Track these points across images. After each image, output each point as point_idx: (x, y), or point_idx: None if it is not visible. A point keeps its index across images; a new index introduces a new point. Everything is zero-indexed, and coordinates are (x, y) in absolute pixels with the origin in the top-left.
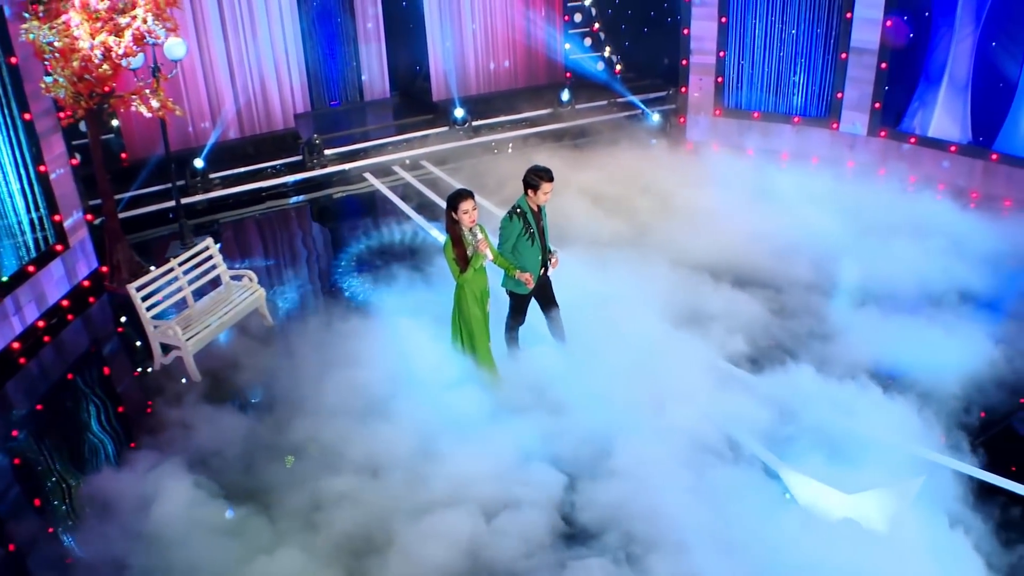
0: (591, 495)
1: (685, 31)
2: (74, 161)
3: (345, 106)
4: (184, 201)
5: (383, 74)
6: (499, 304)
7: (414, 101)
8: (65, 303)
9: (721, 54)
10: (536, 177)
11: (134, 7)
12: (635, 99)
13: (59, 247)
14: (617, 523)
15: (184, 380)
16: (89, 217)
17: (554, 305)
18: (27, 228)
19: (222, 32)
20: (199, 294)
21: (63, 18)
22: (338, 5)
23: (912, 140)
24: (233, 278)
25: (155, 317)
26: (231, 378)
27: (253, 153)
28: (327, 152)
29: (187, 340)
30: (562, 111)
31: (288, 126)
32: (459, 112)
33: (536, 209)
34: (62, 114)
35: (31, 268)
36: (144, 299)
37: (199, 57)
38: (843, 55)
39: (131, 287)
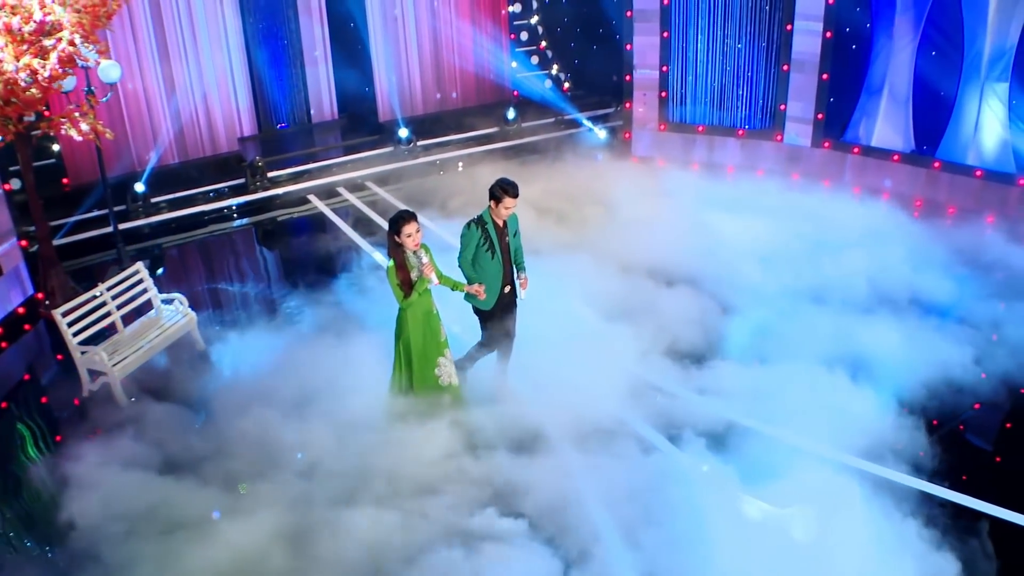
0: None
1: (628, 47)
2: (7, 186)
3: (293, 128)
4: (126, 226)
5: (331, 96)
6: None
7: (361, 122)
8: None
9: (664, 69)
10: (500, 189)
11: (60, 29)
12: (581, 116)
13: None
14: (534, 511)
15: (112, 406)
16: (23, 243)
17: (512, 335)
18: None
19: (166, 56)
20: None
21: None
22: (284, 28)
23: (856, 150)
24: (164, 302)
25: (86, 342)
26: (159, 403)
27: (196, 176)
28: (272, 174)
29: (113, 366)
30: (508, 129)
31: (232, 149)
32: (403, 132)
33: (501, 224)
34: None
35: None
36: (73, 324)
37: (141, 81)
38: (785, 67)
39: (56, 312)
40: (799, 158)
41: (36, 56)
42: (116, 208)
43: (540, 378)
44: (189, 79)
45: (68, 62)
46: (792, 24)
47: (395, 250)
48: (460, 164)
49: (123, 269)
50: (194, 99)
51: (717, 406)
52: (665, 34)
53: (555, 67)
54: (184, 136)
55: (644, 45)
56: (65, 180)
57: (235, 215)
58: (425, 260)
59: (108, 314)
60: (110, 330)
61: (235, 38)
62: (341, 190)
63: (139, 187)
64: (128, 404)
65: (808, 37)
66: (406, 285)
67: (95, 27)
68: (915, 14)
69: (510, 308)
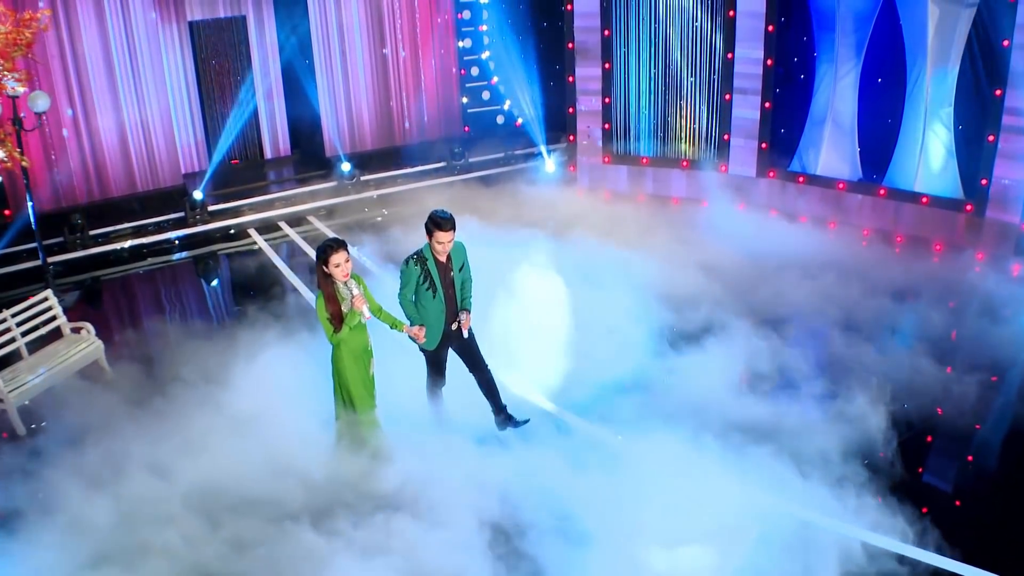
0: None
1: (570, 79)
2: None
3: (245, 163)
4: (63, 257)
5: (283, 131)
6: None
7: (313, 158)
8: None
9: (607, 100)
10: (432, 223)
11: None
12: (531, 151)
13: None
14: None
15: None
16: None
17: (480, 368)
18: None
19: (114, 89)
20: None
21: None
22: (236, 64)
23: (801, 179)
24: (73, 330)
25: None
26: (57, 431)
27: (139, 209)
28: (213, 208)
29: (9, 392)
30: (456, 164)
31: (177, 183)
32: (346, 166)
33: (443, 259)
34: None
35: None
36: None
37: (84, 113)
38: (727, 96)
39: None
40: (745, 188)
41: None
42: (54, 240)
43: None
44: (137, 113)
45: None
46: (733, 52)
47: (324, 281)
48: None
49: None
50: (141, 133)
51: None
52: (607, 65)
53: (507, 103)
54: (130, 169)
55: (586, 77)
56: (7, 211)
57: (175, 248)
58: (357, 292)
59: (13, 340)
60: (17, 356)
61: (186, 75)
62: (282, 224)
63: (76, 219)
64: (26, 433)
65: (750, 65)
66: (336, 319)
67: (3, 55)
68: (856, 40)
69: (459, 343)
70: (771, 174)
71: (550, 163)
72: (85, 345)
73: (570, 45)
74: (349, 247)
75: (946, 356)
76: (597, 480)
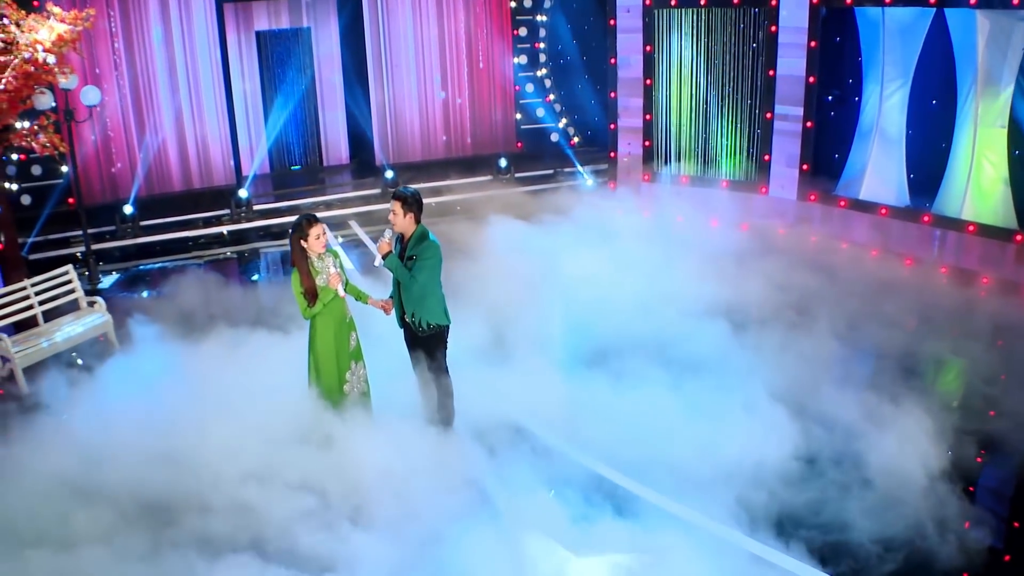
0: None
1: (612, 94)
2: None
3: (304, 169)
4: (113, 244)
5: (343, 139)
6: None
7: (368, 166)
8: None
9: (647, 117)
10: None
11: (17, 48)
12: (582, 169)
13: None
14: None
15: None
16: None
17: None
18: None
19: (176, 91)
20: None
21: None
22: (301, 74)
23: (842, 203)
24: (89, 304)
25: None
26: (55, 394)
27: (191, 205)
28: (261, 207)
29: (16, 353)
30: (500, 179)
31: (231, 183)
32: (388, 174)
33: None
34: None
35: None
36: None
37: (149, 112)
38: (768, 115)
39: None
40: (785, 211)
41: None
42: (107, 228)
43: None
44: (200, 115)
45: (29, 79)
46: (775, 69)
47: (299, 257)
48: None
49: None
50: (202, 134)
51: None
52: (648, 82)
53: (563, 121)
54: (188, 167)
55: (627, 93)
56: (71, 200)
57: (219, 243)
58: (334, 271)
59: (31, 307)
60: (34, 323)
61: (251, 82)
62: (353, 224)
63: (127, 209)
64: (28, 391)
65: (792, 82)
66: (310, 295)
67: (58, 45)
68: (904, 56)
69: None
70: (812, 197)
71: (593, 181)
72: (96, 319)
73: (612, 60)
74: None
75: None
76: None
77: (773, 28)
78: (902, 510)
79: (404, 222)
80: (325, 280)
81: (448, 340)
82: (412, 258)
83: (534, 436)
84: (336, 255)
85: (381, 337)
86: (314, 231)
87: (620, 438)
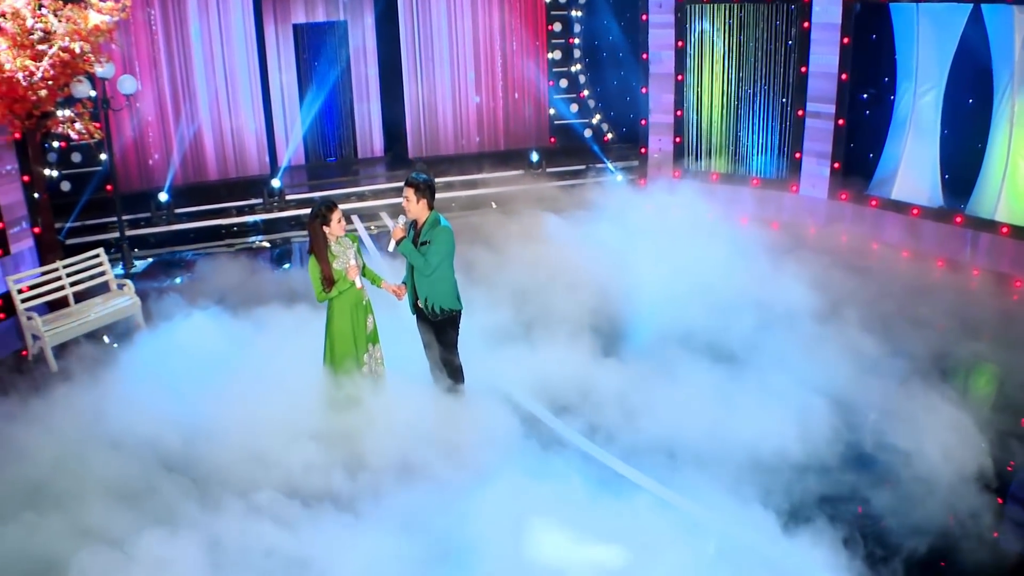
0: None
1: (643, 90)
2: (26, 178)
3: (339, 161)
4: (147, 231)
5: (378, 132)
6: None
7: (402, 159)
8: None
9: (679, 113)
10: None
11: (54, 36)
12: (614, 164)
13: None
14: None
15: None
16: (36, 230)
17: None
18: None
19: (213, 83)
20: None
21: None
22: (336, 67)
23: (874, 203)
24: (119, 287)
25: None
26: (83, 371)
27: (225, 194)
28: (293, 197)
29: (46, 332)
30: (531, 174)
31: (265, 172)
32: (419, 164)
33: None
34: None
35: None
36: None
37: (187, 103)
38: (800, 112)
39: (10, 279)
40: (815, 210)
41: (32, 59)
42: (143, 215)
43: None
44: (236, 106)
45: (66, 67)
46: (807, 66)
47: (318, 243)
48: (493, 203)
49: (126, 266)
50: (238, 124)
51: None
52: (679, 77)
53: (597, 117)
54: (224, 157)
55: (659, 89)
56: (109, 187)
57: (252, 232)
58: (353, 262)
59: (62, 288)
60: (65, 303)
61: (287, 74)
62: (354, 219)
63: (162, 196)
64: (57, 369)
65: (824, 79)
66: (327, 280)
67: (93, 34)
68: (939, 54)
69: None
70: (843, 196)
71: (623, 177)
72: (125, 301)
73: (644, 56)
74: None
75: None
76: None
77: (806, 24)
78: (929, 507)
79: (417, 208)
80: (343, 265)
81: (460, 325)
82: (425, 243)
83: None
84: (355, 239)
85: (397, 320)
86: (335, 216)
87: (646, 422)
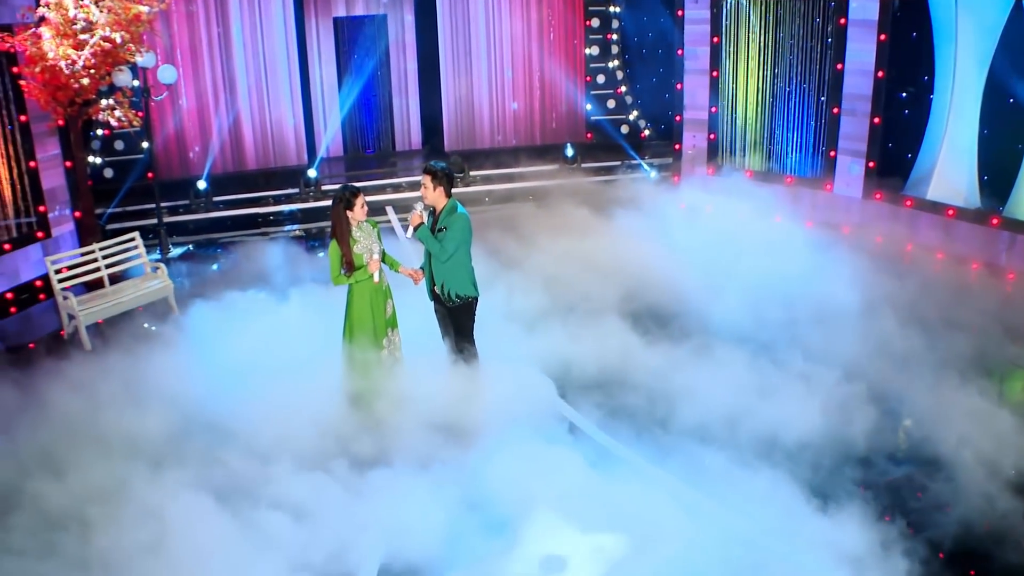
0: None
1: (679, 86)
2: (68, 164)
3: (377, 153)
4: (186, 218)
5: (416, 125)
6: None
7: (441, 152)
8: (39, 283)
9: (713, 110)
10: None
11: (96, 27)
12: (650, 161)
13: (40, 234)
14: None
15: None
16: (77, 214)
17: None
18: (11, 214)
19: (257, 75)
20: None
21: (34, 29)
22: (376, 60)
23: (908, 203)
24: (153, 270)
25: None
26: (115, 349)
27: (263, 183)
28: (329, 187)
29: (81, 311)
30: (566, 168)
31: (302, 163)
32: (455, 159)
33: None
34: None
35: (6, 246)
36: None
37: (227, 93)
38: (835, 109)
39: (48, 259)
40: (849, 209)
41: (74, 48)
42: (182, 202)
43: None
44: (276, 97)
45: (107, 57)
46: (843, 63)
47: (341, 227)
48: (530, 197)
49: (163, 251)
50: (278, 115)
51: None
52: (715, 73)
53: (634, 113)
54: (266, 146)
55: (694, 85)
56: (150, 174)
57: (288, 220)
58: (376, 257)
59: (98, 270)
60: (100, 284)
61: (327, 67)
62: (388, 209)
63: (201, 184)
64: (90, 347)
65: (860, 77)
66: (348, 264)
67: (132, 23)
68: (979, 51)
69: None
70: (878, 196)
71: (657, 173)
72: (157, 284)
73: (679, 52)
74: None
75: None
76: None
77: (842, 20)
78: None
79: (435, 195)
80: (363, 249)
81: (476, 311)
82: (442, 229)
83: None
84: (375, 225)
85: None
86: (358, 201)
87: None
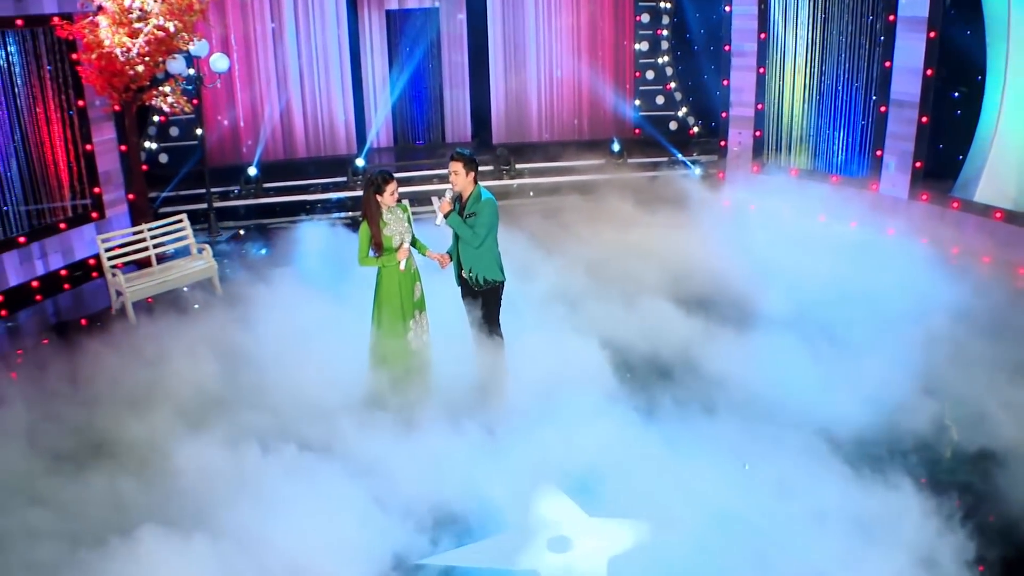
0: None
1: (725, 82)
2: (123, 147)
3: (427, 145)
4: (236, 203)
5: (465, 118)
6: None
7: (491, 145)
8: (92, 262)
9: (759, 107)
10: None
11: (150, 16)
12: (679, 156)
13: (95, 215)
14: None
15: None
16: (131, 196)
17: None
18: (68, 195)
19: (311, 66)
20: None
21: (92, 18)
22: (427, 51)
23: (955, 205)
24: (198, 250)
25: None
26: (159, 324)
27: (313, 171)
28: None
29: (128, 288)
30: (612, 163)
31: (351, 152)
32: (501, 150)
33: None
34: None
35: (62, 225)
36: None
37: (278, 84)
38: (882, 108)
39: (99, 238)
40: (895, 210)
41: (129, 36)
42: (232, 188)
43: None
44: (328, 88)
45: (161, 45)
46: (891, 60)
47: (371, 209)
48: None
49: (211, 234)
50: (329, 105)
51: None
52: (761, 70)
53: (683, 109)
54: (317, 136)
55: (741, 81)
56: (202, 160)
57: (336, 208)
58: (405, 246)
59: (146, 249)
60: (148, 263)
61: (378, 59)
62: (434, 200)
63: (252, 171)
64: (136, 322)
65: (908, 75)
66: (377, 245)
67: (186, 12)
68: None
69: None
70: (924, 197)
71: (702, 170)
72: (202, 264)
73: (726, 47)
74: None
75: None
76: None
77: (891, 17)
78: None
79: (464, 181)
80: (393, 232)
81: (503, 295)
82: (472, 215)
83: None
84: (405, 209)
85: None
86: (389, 187)
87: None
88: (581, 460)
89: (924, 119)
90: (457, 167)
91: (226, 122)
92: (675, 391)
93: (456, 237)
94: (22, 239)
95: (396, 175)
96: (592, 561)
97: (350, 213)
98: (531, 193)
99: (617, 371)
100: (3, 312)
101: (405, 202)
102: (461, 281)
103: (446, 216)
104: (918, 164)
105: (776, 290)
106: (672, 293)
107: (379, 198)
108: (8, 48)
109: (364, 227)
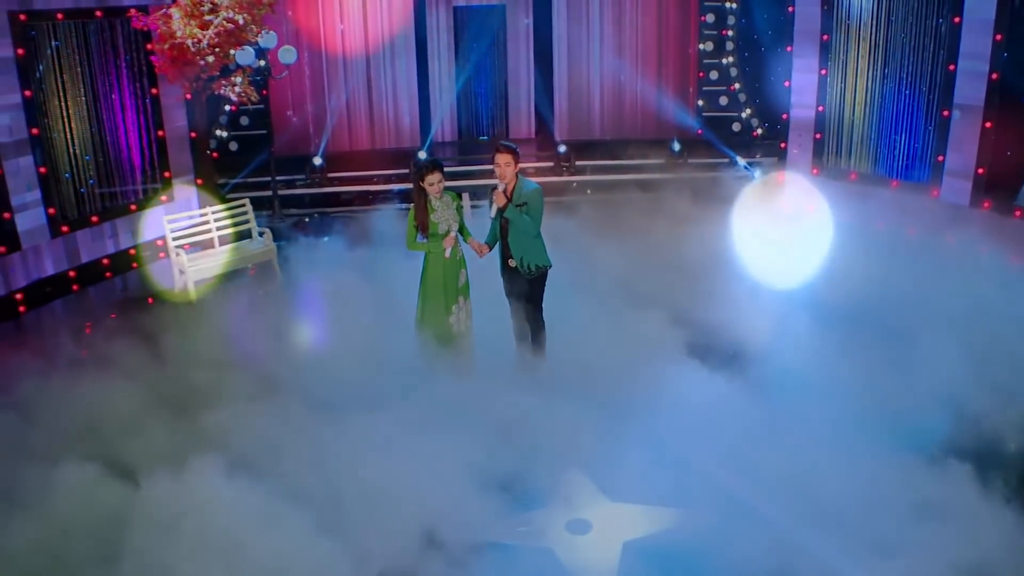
0: None
1: (787, 83)
2: (192, 134)
3: (491, 140)
4: (301, 192)
5: (529, 114)
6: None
7: (552, 141)
8: (159, 243)
9: (820, 109)
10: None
11: (220, 9)
12: (737, 159)
13: (164, 198)
14: None
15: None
16: (199, 181)
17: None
18: (140, 178)
19: (382, 55)
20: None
21: (165, 10)
22: (493, 48)
23: (1018, 213)
24: (260, 234)
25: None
26: (218, 302)
27: (377, 162)
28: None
29: (190, 267)
30: (672, 162)
31: (415, 145)
32: (562, 147)
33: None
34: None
35: (133, 207)
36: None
37: (345, 77)
38: (945, 112)
39: (165, 219)
40: (956, 218)
41: (200, 27)
42: (299, 176)
43: None
44: (396, 82)
45: (230, 36)
46: (955, 63)
47: (418, 195)
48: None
49: (274, 219)
50: (396, 99)
51: None
52: (823, 72)
53: (747, 111)
54: (384, 128)
55: (802, 83)
56: (272, 149)
57: (398, 199)
58: (452, 234)
59: (209, 231)
60: (211, 244)
61: (445, 54)
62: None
63: (317, 160)
64: (196, 300)
65: (972, 78)
66: (423, 228)
67: (249, 10)
68: None
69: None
70: (986, 205)
71: (761, 172)
72: (262, 247)
73: (788, 48)
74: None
75: None
76: None
77: (956, 19)
78: None
79: (512, 173)
80: (440, 218)
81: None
82: (522, 205)
83: None
84: (456, 198)
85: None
86: (430, 177)
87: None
88: (612, 447)
89: (988, 124)
90: (508, 158)
91: (293, 112)
92: (729, 378)
93: (498, 229)
94: (95, 218)
95: (459, 168)
96: (606, 544)
97: (411, 204)
98: (588, 191)
99: (675, 355)
100: (75, 287)
101: (461, 193)
102: (508, 270)
103: (501, 209)
104: (980, 170)
105: (836, 292)
106: (727, 288)
107: (422, 185)
108: (88, 38)
109: (411, 212)
